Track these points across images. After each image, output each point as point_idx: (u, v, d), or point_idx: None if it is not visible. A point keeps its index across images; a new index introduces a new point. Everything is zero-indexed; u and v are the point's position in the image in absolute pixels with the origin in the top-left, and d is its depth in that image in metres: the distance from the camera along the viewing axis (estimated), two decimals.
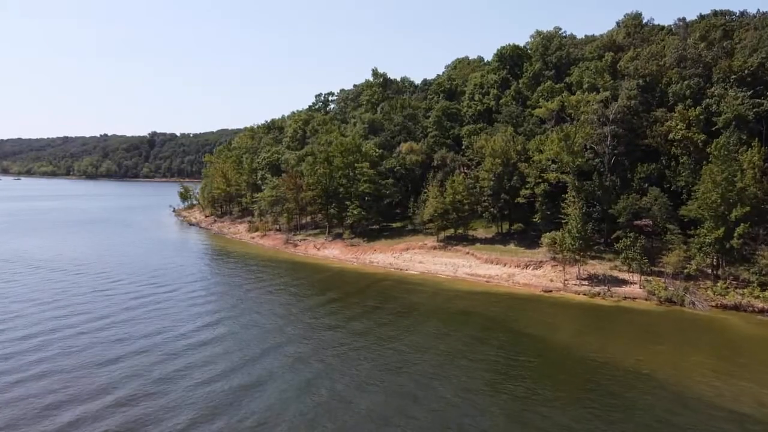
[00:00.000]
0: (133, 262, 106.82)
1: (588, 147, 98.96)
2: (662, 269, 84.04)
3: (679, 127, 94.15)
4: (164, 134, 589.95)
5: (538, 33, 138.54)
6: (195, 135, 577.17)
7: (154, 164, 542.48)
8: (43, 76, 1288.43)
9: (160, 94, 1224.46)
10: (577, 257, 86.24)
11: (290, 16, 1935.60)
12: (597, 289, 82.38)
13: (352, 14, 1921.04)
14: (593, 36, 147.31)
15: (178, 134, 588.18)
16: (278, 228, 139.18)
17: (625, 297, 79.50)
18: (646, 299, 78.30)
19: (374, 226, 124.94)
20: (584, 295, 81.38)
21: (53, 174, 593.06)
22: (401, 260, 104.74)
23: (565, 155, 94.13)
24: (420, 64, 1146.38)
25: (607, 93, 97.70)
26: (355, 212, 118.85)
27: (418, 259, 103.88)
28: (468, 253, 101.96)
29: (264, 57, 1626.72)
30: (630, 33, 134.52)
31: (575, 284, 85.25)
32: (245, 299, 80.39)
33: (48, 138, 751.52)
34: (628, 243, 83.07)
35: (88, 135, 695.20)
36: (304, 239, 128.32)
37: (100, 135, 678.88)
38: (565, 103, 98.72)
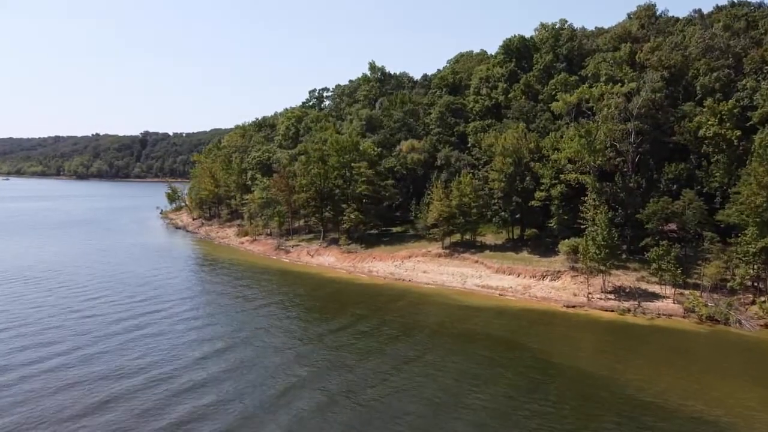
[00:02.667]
0: (113, 274, 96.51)
1: (609, 145, 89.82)
2: (697, 281, 75.11)
3: (710, 122, 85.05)
4: (156, 134, 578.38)
5: (543, 26, 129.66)
6: (188, 134, 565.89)
7: (146, 164, 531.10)
8: (35, 76, 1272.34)
9: (153, 94, 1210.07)
10: (601, 268, 76.94)
11: (286, 14, 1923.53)
12: (626, 304, 73.08)
13: (347, 11, 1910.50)
14: (603, 28, 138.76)
15: (170, 134, 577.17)
16: (269, 232, 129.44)
17: (659, 314, 70.24)
18: (683, 317, 69.06)
19: (373, 231, 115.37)
20: (612, 311, 72.05)
21: (43, 174, 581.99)
22: (403, 269, 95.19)
23: (585, 154, 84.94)
24: (418, 61, 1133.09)
25: (634, 84, 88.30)
26: (351, 216, 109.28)
27: (422, 268, 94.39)
28: (477, 261, 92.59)
29: (259, 55, 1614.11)
30: (644, 25, 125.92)
31: (600, 298, 75.97)
32: (236, 323, 68.08)
33: (39, 138, 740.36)
34: (661, 252, 73.72)
35: (80, 135, 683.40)
36: (297, 245, 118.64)
37: (92, 134, 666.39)
38: (587, 96, 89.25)
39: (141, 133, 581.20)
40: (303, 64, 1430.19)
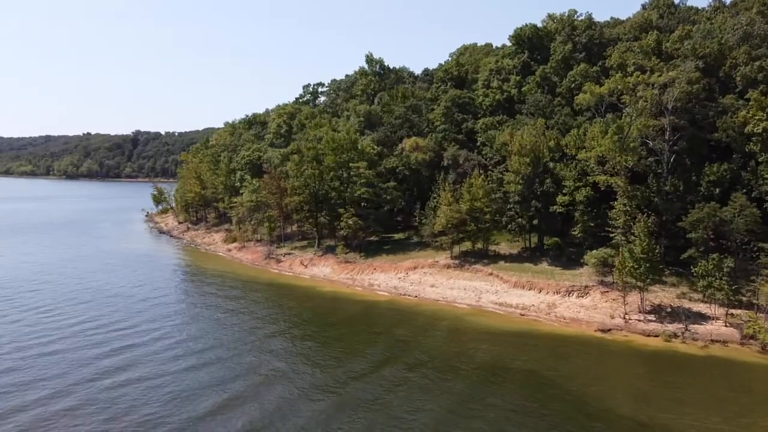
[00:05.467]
0: (87, 291, 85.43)
1: (641, 143, 79.56)
2: (750, 300, 64.88)
3: (758, 117, 74.76)
4: (148, 133, 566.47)
5: (551, 17, 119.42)
6: (180, 134, 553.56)
7: (137, 164, 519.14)
8: (27, 75, 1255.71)
9: (146, 93, 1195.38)
10: (639, 284, 66.56)
11: (281, 12, 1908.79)
12: (671, 327, 62.76)
13: (342, 7, 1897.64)
14: (618, 19, 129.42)
15: (162, 133, 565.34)
16: (259, 239, 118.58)
17: (712, 339, 59.85)
18: (741, 344, 58.75)
19: (373, 238, 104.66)
20: (656, 336, 61.60)
21: (32, 174, 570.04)
22: (408, 283, 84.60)
23: (616, 153, 74.60)
24: (417, 58, 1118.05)
25: (673, 73, 77.86)
26: (349, 221, 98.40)
27: (429, 281, 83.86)
28: (491, 273, 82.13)
29: (254, 53, 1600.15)
30: (663, 15, 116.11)
31: (639, 320, 65.59)
32: (230, 369, 54.13)
33: (29, 137, 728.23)
34: (710, 267, 63.35)
35: (71, 134, 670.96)
36: (289, 253, 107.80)
37: (83, 134, 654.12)
38: (619, 87, 78.80)
39: (132, 132, 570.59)
40: (299, 62, 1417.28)
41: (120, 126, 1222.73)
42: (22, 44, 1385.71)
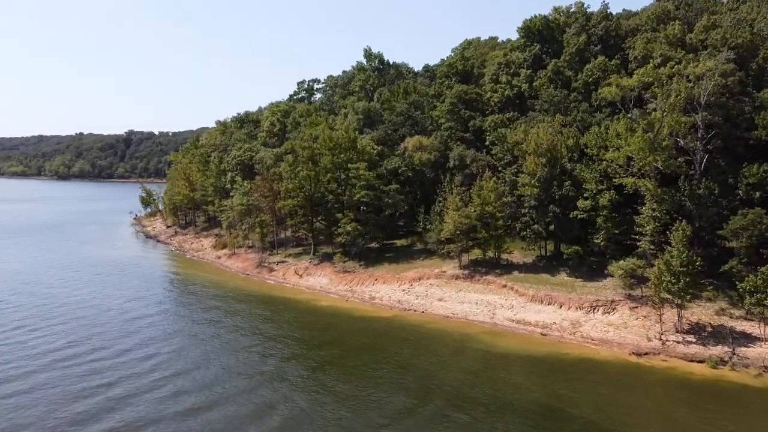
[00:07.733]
0: (60, 305, 77.80)
1: (671, 142, 72.09)
2: None
3: None
4: (141, 133, 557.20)
5: (557, 10, 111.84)
6: (174, 134, 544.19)
7: (130, 164, 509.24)
8: (21, 74, 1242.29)
9: (140, 93, 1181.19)
10: (677, 300, 59.03)
11: (276, 9, 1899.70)
12: (715, 350, 55.27)
13: (339, 5, 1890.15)
14: (630, 11, 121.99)
15: (156, 133, 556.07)
16: (250, 245, 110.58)
17: (765, 366, 52.29)
18: None
19: (373, 245, 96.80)
20: (700, 361, 54.00)
21: (24, 174, 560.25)
22: (413, 296, 76.86)
23: (647, 153, 67.09)
24: (416, 56, 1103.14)
25: (710, 63, 70.28)
26: (348, 227, 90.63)
27: (436, 294, 76.11)
28: (505, 286, 74.48)
29: (249, 51, 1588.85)
30: (679, 6, 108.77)
31: (678, 341, 58.01)
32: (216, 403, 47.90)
33: (22, 137, 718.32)
34: (760, 282, 55.80)
35: (63, 134, 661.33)
36: (283, 261, 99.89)
37: (76, 134, 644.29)
38: (649, 79, 71.24)
39: (126, 132, 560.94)
40: (294, 58, 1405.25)
41: (113, 126, 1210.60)
42: (17, 43, 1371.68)
